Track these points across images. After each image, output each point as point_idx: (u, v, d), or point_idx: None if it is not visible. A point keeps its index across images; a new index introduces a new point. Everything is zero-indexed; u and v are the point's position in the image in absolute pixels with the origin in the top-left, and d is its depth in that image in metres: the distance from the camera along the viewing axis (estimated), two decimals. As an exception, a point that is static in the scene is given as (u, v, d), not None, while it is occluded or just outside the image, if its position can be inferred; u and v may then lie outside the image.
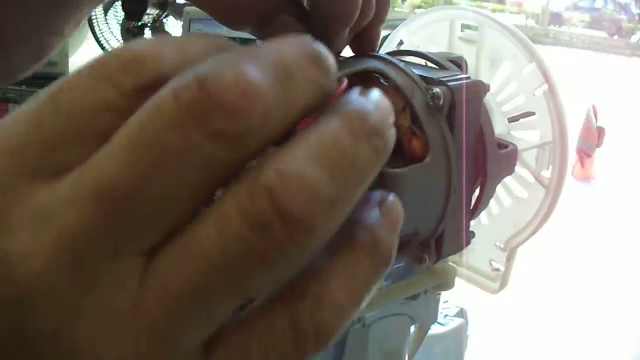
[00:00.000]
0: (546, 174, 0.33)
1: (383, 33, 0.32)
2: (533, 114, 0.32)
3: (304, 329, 0.14)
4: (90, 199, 0.13)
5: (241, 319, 0.14)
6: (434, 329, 0.38)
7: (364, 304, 0.15)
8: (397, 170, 0.25)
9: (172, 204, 0.13)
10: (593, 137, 3.98)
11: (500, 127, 0.32)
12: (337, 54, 0.28)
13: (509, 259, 0.35)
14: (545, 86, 0.32)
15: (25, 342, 0.13)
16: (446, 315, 0.75)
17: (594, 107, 4.03)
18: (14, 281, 0.13)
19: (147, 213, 0.13)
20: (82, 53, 2.52)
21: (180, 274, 0.13)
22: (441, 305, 0.37)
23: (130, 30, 2.40)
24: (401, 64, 0.27)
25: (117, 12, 2.69)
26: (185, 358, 0.14)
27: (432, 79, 0.27)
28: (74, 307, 0.13)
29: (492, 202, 0.33)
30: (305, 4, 0.28)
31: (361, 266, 0.15)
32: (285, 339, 0.14)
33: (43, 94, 0.14)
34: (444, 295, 0.37)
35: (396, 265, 0.33)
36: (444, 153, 0.26)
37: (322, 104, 0.14)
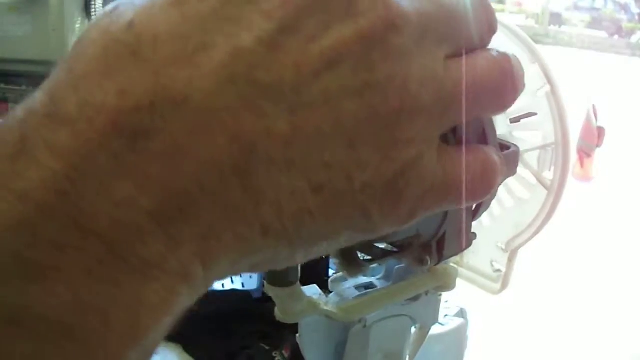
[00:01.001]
0: (548, 175, 0.33)
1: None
2: (535, 114, 0.32)
3: (492, 164, 0.23)
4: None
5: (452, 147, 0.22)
6: (434, 329, 0.38)
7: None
8: None
9: (462, 32, 0.21)
10: (593, 137, 3.97)
11: (502, 128, 0.32)
12: None
13: (511, 260, 0.35)
14: (548, 87, 0.32)
15: None
16: (446, 315, 0.75)
17: (594, 107, 4.03)
18: None
19: (454, 29, 0.21)
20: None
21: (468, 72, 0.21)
22: (441, 305, 0.37)
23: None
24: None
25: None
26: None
27: None
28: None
29: (493, 203, 0.33)
30: None
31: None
32: (478, 167, 0.22)
33: None
34: (445, 295, 0.37)
35: (397, 267, 0.33)
36: None
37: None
